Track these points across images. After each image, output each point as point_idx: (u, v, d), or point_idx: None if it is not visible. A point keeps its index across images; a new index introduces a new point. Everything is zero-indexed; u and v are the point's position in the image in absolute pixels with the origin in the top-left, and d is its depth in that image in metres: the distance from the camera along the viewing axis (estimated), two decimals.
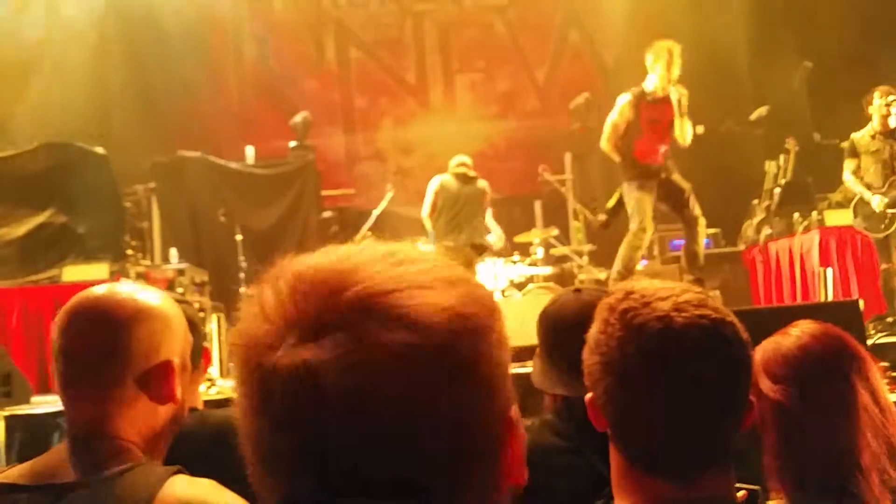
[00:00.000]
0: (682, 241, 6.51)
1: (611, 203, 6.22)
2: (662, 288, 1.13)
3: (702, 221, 6.04)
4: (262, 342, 0.59)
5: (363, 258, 0.63)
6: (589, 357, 1.16)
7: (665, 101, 5.85)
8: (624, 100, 5.94)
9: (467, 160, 7.42)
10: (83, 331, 1.29)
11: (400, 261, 0.63)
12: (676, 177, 6.02)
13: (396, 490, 0.59)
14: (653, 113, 5.89)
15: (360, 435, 0.57)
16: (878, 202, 5.93)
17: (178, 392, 1.32)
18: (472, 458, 0.62)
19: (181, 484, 1.21)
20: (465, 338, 0.61)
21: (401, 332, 0.58)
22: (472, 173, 7.36)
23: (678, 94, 5.82)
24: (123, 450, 1.25)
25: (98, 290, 1.34)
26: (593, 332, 1.16)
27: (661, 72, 5.79)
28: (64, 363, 1.29)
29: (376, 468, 0.59)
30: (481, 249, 7.23)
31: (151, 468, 1.24)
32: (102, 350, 1.27)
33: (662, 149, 5.97)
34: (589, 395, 1.17)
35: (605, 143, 6.08)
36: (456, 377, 0.60)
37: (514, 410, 0.66)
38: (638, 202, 5.89)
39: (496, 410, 0.64)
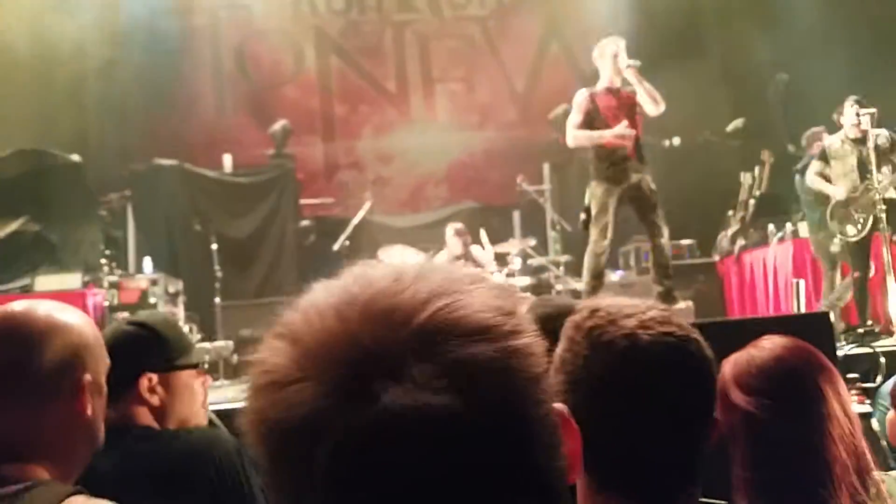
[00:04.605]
0: None
1: (587, 200, 6.16)
2: (627, 305, 1.14)
3: (665, 231, 5.92)
4: (317, 408, 0.52)
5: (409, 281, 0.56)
6: (554, 376, 1.15)
7: (620, 90, 5.94)
8: (580, 96, 6.02)
9: None
10: None
11: (431, 269, 0.58)
12: (647, 182, 5.91)
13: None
14: (609, 100, 5.92)
15: (476, 460, 0.52)
16: (840, 192, 5.95)
17: (89, 410, 1.32)
18: (558, 457, 0.59)
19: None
20: (519, 333, 0.56)
21: (480, 345, 0.53)
22: None
23: (628, 81, 5.88)
24: (27, 468, 1.25)
25: (14, 306, 1.35)
26: (559, 350, 1.16)
27: (609, 65, 5.91)
28: None
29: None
30: None
31: (51, 488, 1.23)
32: (13, 365, 1.28)
33: (630, 133, 5.85)
34: None
35: (571, 141, 6.08)
36: (533, 376, 0.56)
37: (560, 404, 0.62)
38: (602, 205, 5.84)
39: (552, 402, 0.60)
